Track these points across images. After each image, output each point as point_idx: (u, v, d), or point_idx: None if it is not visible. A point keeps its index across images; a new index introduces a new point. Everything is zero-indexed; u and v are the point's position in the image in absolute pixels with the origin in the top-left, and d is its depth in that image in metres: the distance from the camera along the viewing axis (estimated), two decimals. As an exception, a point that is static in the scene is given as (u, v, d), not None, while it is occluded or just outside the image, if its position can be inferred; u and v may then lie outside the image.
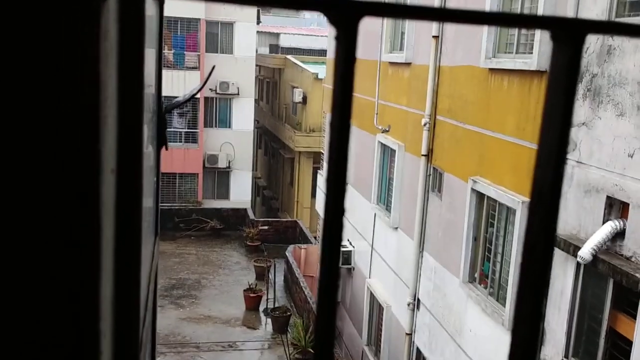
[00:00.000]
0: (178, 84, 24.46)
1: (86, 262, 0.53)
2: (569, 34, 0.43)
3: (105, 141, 0.54)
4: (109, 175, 0.59)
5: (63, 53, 0.48)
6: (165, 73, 26.29)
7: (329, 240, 0.43)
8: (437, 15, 0.43)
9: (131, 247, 0.75)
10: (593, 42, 6.53)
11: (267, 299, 17.44)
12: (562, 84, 0.43)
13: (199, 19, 25.20)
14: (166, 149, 1.79)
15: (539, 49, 7.35)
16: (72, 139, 0.50)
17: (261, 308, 17.70)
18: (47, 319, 0.53)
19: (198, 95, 25.04)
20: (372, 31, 13.38)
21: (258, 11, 27.17)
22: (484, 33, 8.66)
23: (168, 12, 24.15)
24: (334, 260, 0.43)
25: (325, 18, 0.39)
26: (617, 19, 6.31)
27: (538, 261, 0.46)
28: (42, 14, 0.46)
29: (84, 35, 0.48)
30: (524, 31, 8.10)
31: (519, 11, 8.15)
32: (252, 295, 17.62)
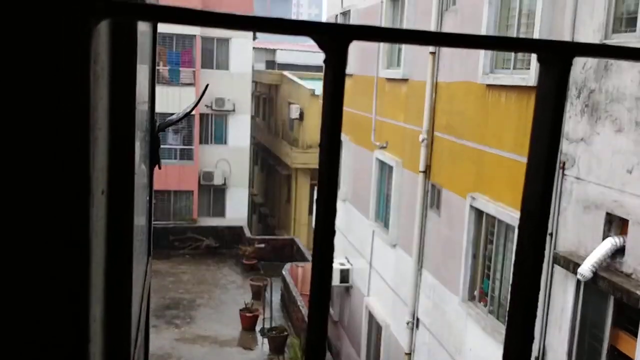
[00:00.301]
0: (173, 100, 24.47)
1: (75, 284, 0.53)
2: (556, 57, 0.44)
3: (96, 163, 0.53)
4: (99, 197, 0.58)
5: (53, 76, 0.48)
6: (160, 89, 26.35)
7: (320, 259, 0.44)
8: (425, 38, 0.43)
9: (123, 269, 0.74)
10: (590, 58, 6.51)
11: (263, 319, 17.27)
12: (550, 105, 0.44)
13: (195, 35, 25.29)
14: (159, 167, 1.73)
15: (537, 65, 7.34)
16: (61, 161, 0.50)
17: (257, 328, 17.53)
18: (34, 342, 0.53)
19: (193, 112, 25.05)
20: (369, 47, 13.42)
21: (254, 29, 27.30)
22: (481, 49, 8.66)
23: (163, 28, 24.27)
24: (325, 280, 0.44)
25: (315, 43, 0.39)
26: (614, 35, 6.31)
27: (528, 276, 0.47)
28: (34, 37, 0.47)
29: (75, 59, 0.48)
30: (520, 47, 8.10)
31: (515, 27, 8.16)
32: (248, 314, 17.45)
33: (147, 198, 1.68)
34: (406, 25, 11.41)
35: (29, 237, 0.50)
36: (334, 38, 0.36)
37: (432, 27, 10.22)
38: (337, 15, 15.88)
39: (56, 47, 0.46)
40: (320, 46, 0.36)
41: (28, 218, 0.50)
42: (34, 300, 0.52)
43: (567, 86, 0.44)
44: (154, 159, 1.71)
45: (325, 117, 0.38)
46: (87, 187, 0.51)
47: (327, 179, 0.38)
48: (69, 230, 0.51)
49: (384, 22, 12.52)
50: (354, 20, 14.58)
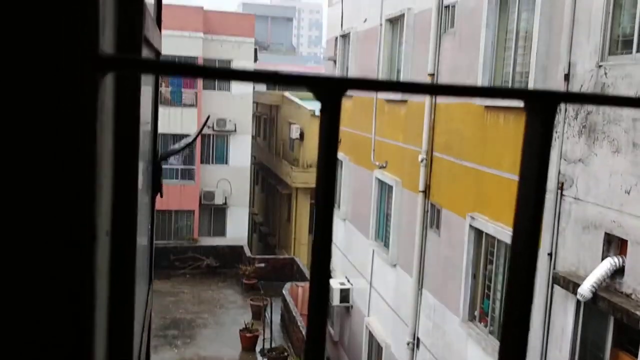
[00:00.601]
0: (175, 121, 24.60)
1: (79, 324, 0.54)
2: (541, 105, 0.46)
3: (100, 206, 0.55)
4: (103, 239, 0.59)
5: (60, 128, 0.49)
6: (162, 110, 26.47)
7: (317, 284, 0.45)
8: (418, 89, 0.46)
9: (125, 308, 0.75)
10: (587, 79, 6.60)
11: (263, 339, 17.17)
12: (536, 151, 0.46)
13: (197, 57, 25.50)
14: (161, 196, 1.77)
15: (534, 86, 7.43)
16: (67, 206, 0.51)
17: (258, 348, 17.41)
18: None
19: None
20: (368, 68, 13.55)
21: (255, 49, 27.54)
22: (479, 71, 8.76)
23: (166, 50, 24.44)
24: (323, 300, 0.45)
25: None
26: (610, 56, 6.39)
27: (521, 293, 0.48)
28: (41, 92, 0.48)
29: (82, 112, 0.49)
30: (518, 68, 8.20)
31: (513, 49, 8.25)
32: (248, 335, 17.35)
33: (149, 226, 1.70)
34: (405, 47, 11.54)
35: (35, 280, 0.51)
36: (329, 89, 0.40)
37: (430, 49, 10.34)
38: (337, 37, 16.04)
39: (63, 101, 0.49)
40: (316, 96, 0.40)
41: (34, 269, 0.51)
42: (40, 342, 0.52)
43: (552, 132, 0.47)
44: (155, 188, 1.75)
45: (320, 162, 0.41)
46: (92, 234, 0.53)
47: (322, 226, 0.41)
48: (73, 275, 0.52)
49: (383, 44, 12.66)
50: (353, 41, 14.73)
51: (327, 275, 0.45)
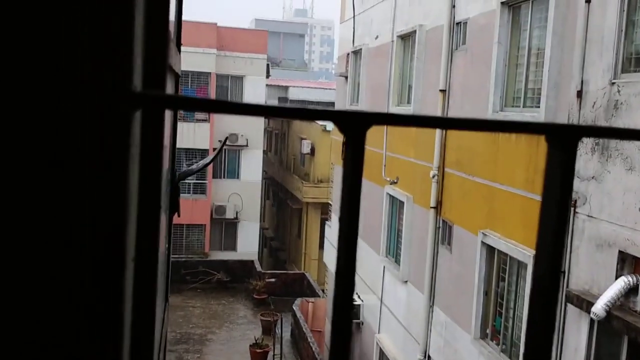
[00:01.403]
0: (188, 135, 24.76)
1: (108, 351, 0.55)
2: (562, 140, 0.46)
3: (129, 235, 0.56)
4: (130, 265, 0.61)
5: (94, 164, 0.51)
6: (175, 125, 26.27)
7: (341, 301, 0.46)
8: (437, 123, 0.48)
9: (146, 330, 0.76)
10: (600, 97, 6.58)
11: (273, 355, 17.09)
12: (557, 185, 0.46)
13: (210, 73, 25.72)
14: (178, 215, 1.79)
15: (546, 103, 7.42)
16: (99, 235, 0.52)
17: (267, 363, 17.33)
18: None
19: (208, 147, 25.28)
20: (379, 84, 13.59)
21: (268, 65, 27.73)
22: (491, 87, 8.76)
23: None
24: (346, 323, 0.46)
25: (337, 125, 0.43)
26: (623, 74, 6.38)
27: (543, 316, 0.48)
28: (79, 124, 0.50)
29: (116, 147, 0.51)
30: (530, 85, 8.19)
31: (525, 66, 8.25)
32: (258, 350, 17.28)
33: (167, 246, 1.71)
34: (416, 64, 11.57)
35: (66, 307, 0.52)
36: (354, 123, 0.41)
37: (442, 66, 10.36)
38: (348, 54, 16.13)
39: (97, 137, 0.50)
40: (341, 130, 0.41)
41: (67, 288, 0.52)
42: None
43: (574, 166, 0.47)
44: (173, 208, 1.76)
45: (344, 194, 0.42)
46: (123, 260, 0.54)
47: (345, 256, 0.42)
48: (103, 300, 0.54)
49: (394, 60, 12.71)
50: (364, 57, 14.80)
51: (349, 316, 0.46)
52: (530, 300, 0.50)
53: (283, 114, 0.40)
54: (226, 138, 4.03)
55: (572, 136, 0.47)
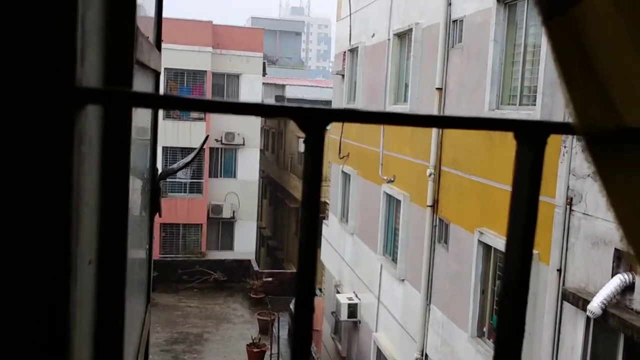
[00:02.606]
0: (184, 134, 24.72)
1: (56, 354, 0.53)
2: (531, 136, 0.46)
3: (80, 236, 0.54)
4: (85, 267, 0.58)
5: (34, 157, 0.49)
6: (171, 124, 26.44)
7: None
8: (402, 120, 0.46)
9: (114, 333, 0.73)
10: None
11: (270, 354, 17.09)
12: (527, 181, 0.46)
13: (206, 71, 25.68)
14: (160, 215, 1.77)
15: (542, 101, 7.41)
16: (41, 238, 0.50)
17: (265, 363, 17.32)
18: None
19: (204, 146, 25.23)
20: (376, 83, 13.58)
21: (264, 63, 27.70)
22: (487, 85, 8.75)
23: (175, 64, 24.69)
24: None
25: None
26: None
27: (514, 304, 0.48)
28: (16, 120, 0.48)
29: (56, 146, 0.49)
30: (526, 83, 8.18)
31: (521, 64, 8.25)
32: (255, 350, 17.28)
33: (147, 247, 1.69)
34: (413, 62, 11.56)
35: (11, 307, 0.50)
36: (313, 120, 0.40)
37: (438, 64, 10.35)
38: (345, 52, 16.11)
39: (38, 135, 0.48)
40: (301, 127, 0.40)
41: (9, 289, 0.50)
42: None
43: (542, 162, 0.47)
44: (154, 208, 1.74)
45: (304, 191, 0.40)
46: (67, 263, 0.52)
47: (306, 251, 0.41)
48: (48, 308, 0.52)
49: (391, 58, 12.69)
50: (361, 56, 14.78)
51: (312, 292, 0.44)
52: (501, 294, 0.50)
53: (238, 111, 0.38)
54: (206, 137, 4.02)
55: (541, 133, 0.46)
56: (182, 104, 0.36)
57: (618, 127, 0.44)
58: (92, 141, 0.60)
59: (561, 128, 0.48)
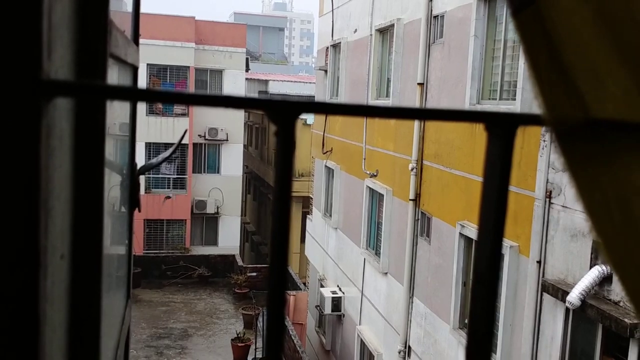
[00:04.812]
0: (167, 130, 24.58)
1: (25, 352, 0.53)
2: (501, 127, 0.47)
3: (50, 230, 0.54)
4: (57, 262, 0.59)
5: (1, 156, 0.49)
6: (154, 120, 26.21)
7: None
8: (372, 112, 0.46)
9: (89, 330, 0.74)
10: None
11: (255, 349, 17.11)
12: (497, 172, 0.47)
13: (189, 67, 25.53)
14: (139, 211, 1.78)
15: (522, 95, 7.49)
16: (7, 234, 0.50)
17: (250, 358, 17.34)
18: None
19: (187, 142, 25.14)
20: (359, 78, 13.61)
21: (247, 59, 27.59)
22: (468, 80, 8.82)
23: (157, 59, 24.52)
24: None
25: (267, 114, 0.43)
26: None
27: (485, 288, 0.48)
28: None
29: (22, 139, 0.49)
30: (506, 78, 8.27)
31: (501, 59, 8.33)
32: (240, 344, 17.28)
33: (127, 242, 1.69)
34: (394, 57, 11.61)
35: None
36: (283, 112, 0.41)
37: (420, 59, 10.41)
38: (328, 47, 16.12)
39: (3, 128, 0.48)
40: (271, 119, 0.42)
41: None
42: None
43: (512, 154, 0.48)
44: (133, 203, 1.75)
45: (276, 184, 0.42)
46: (36, 260, 0.51)
47: (278, 248, 0.42)
48: (17, 304, 0.51)
49: (373, 53, 12.73)
50: (344, 51, 14.80)
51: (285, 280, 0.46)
52: (472, 285, 0.51)
53: (209, 103, 0.40)
54: (185, 131, 4.00)
55: (511, 125, 0.47)
56: (153, 96, 0.38)
57: (585, 118, 0.45)
58: (63, 134, 0.60)
59: (530, 120, 0.49)
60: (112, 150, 1.05)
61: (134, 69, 1.62)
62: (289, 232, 0.45)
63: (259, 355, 16.90)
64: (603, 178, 0.46)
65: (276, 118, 0.42)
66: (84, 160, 0.70)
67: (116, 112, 1.16)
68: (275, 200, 0.43)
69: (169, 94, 0.40)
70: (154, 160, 2.69)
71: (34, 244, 0.51)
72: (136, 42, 1.66)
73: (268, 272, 0.45)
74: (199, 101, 0.40)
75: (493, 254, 0.49)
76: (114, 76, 1.04)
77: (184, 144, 25.13)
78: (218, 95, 0.41)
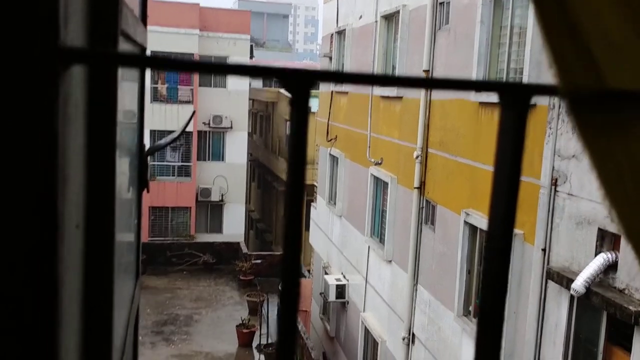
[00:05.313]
0: (171, 117, 24.58)
1: (43, 320, 0.53)
2: (515, 98, 0.46)
3: (68, 199, 0.54)
4: (72, 231, 0.59)
5: (18, 120, 0.49)
6: (159, 107, 26.22)
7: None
8: (385, 81, 0.47)
9: (103, 301, 0.75)
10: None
11: (260, 335, 17.21)
12: (510, 143, 0.46)
13: (193, 54, 25.46)
14: (147, 191, 1.78)
15: (528, 82, 7.44)
16: (26, 203, 0.51)
17: (254, 344, 17.45)
18: None
19: (191, 129, 25.13)
20: (364, 66, 13.55)
21: (251, 46, 27.51)
22: (474, 66, 8.78)
23: (162, 47, 24.43)
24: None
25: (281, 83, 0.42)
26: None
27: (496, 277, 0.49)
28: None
29: (41, 105, 0.49)
30: (512, 64, 8.22)
31: (507, 45, 8.27)
32: (245, 330, 17.39)
33: (136, 221, 1.70)
34: (400, 44, 11.55)
35: None
36: (298, 81, 0.41)
37: (425, 46, 10.35)
38: (332, 34, 16.04)
39: (22, 92, 0.49)
40: (286, 88, 0.41)
41: None
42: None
43: (526, 125, 0.47)
44: (142, 183, 1.75)
45: (290, 154, 0.42)
46: (54, 223, 0.52)
47: (290, 215, 0.42)
48: (35, 268, 0.52)
49: (378, 40, 12.66)
50: (348, 38, 14.73)
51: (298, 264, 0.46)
52: (485, 261, 0.50)
53: (223, 71, 0.40)
54: (193, 112, 4.02)
55: (525, 95, 0.46)
56: (166, 65, 0.38)
57: (600, 88, 0.44)
58: (77, 104, 0.61)
59: (545, 90, 0.49)
60: (120, 130, 1.05)
61: (142, 49, 1.61)
62: (303, 202, 0.44)
63: (264, 341, 16.99)
64: (616, 148, 0.46)
65: (291, 87, 0.42)
66: (97, 131, 0.70)
67: (124, 91, 1.16)
68: (290, 167, 0.43)
69: (179, 61, 0.39)
70: (162, 141, 2.70)
71: (53, 210, 0.52)
72: (144, 23, 1.65)
73: (282, 240, 0.45)
74: (215, 70, 0.39)
75: (506, 234, 0.49)
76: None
77: (189, 132, 25.13)
78: (230, 64, 0.40)
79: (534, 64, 7.40)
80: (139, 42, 1.34)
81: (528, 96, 0.47)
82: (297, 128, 0.42)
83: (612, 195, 0.47)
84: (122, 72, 0.98)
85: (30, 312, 0.53)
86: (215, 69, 0.39)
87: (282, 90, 30.40)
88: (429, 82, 0.49)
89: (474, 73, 8.76)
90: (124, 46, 0.99)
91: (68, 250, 0.57)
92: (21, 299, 0.52)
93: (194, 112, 3.81)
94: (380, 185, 12.76)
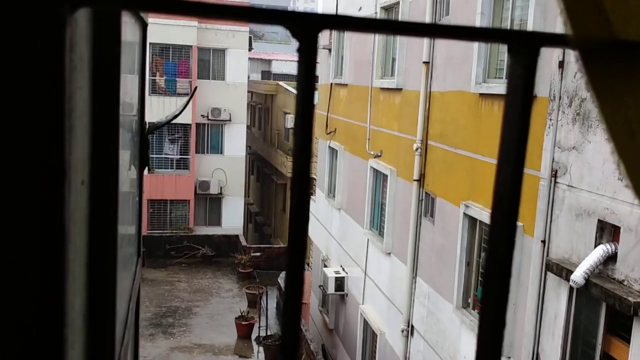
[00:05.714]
0: (170, 110, 24.48)
1: (51, 271, 0.53)
2: (524, 47, 0.45)
3: (74, 151, 0.54)
4: (78, 186, 0.58)
5: (24, 64, 0.48)
6: (157, 99, 26.16)
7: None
8: (393, 28, 0.45)
9: (106, 260, 0.74)
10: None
11: (259, 327, 17.24)
12: (520, 93, 0.45)
13: (191, 46, 25.37)
14: (149, 169, 1.77)
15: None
16: (33, 147, 0.50)
17: (253, 336, 17.49)
18: (8, 332, 0.52)
19: (190, 122, 25.08)
20: (363, 58, 13.52)
21: (250, 38, 27.41)
22: (474, 58, 8.75)
23: (160, 39, 24.37)
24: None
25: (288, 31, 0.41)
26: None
27: (500, 265, 0.48)
28: (5, 25, 0.47)
29: (47, 47, 0.48)
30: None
31: (509, 22, 8.24)
32: (244, 323, 17.42)
33: (137, 199, 1.69)
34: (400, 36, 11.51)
35: (2, 224, 0.50)
36: (306, 26, 0.40)
37: (425, 37, 10.31)
38: (332, 26, 15.98)
39: (28, 36, 0.48)
40: (293, 34, 0.40)
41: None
42: (7, 290, 0.51)
43: (535, 74, 0.46)
44: (143, 161, 1.74)
45: (298, 103, 0.40)
46: (62, 172, 0.51)
47: (300, 163, 0.41)
48: (43, 215, 0.51)
49: (379, 32, 12.62)
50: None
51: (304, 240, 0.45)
52: (488, 243, 0.50)
53: (226, 15, 0.39)
54: (195, 88, 3.99)
55: (534, 43, 0.46)
56: (170, 6, 0.37)
57: (610, 39, 0.44)
58: (82, 57, 0.60)
59: (554, 39, 0.48)
60: (121, 107, 1.04)
61: (144, 26, 1.60)
62: (311, 157, 0.42)
63: (263, 333, 17.03)
64: (626, 99, 0.45)
65: (298, 32, 0.40)
66: (101, 81, 0.69)
67: (126, 85, 1.15)
68: (297, 118, 0.41)
69: (191, 4, 0.38)
70: (162, 119, 2.69)
71: (60, 160, 0.51)
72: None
73: (291, 195, 0.44)
74: (218, 13, 0.38)
75: (514, 180, 0.48)
76: (126, 28, 1.02)
77: (187, 124, 25.08)
78: (238, 6, 0.39)
79: None
80: (142, 17, 1.32)
81: (537, 45, 0.46)
82: (305, 77, 0.41)
83: (621, 148, 0.47)
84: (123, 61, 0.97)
85: (39, 262, 0.52)
86: (218, 12, 0.38)
87: (281, 83, 30.25)
88: (435, 28, 0.48)
89: (474, 65, 8.75)
90: (126, 19, 0.98)
91: (75, 205, 0.57)
92: (29, 248, 0.51)
93: (195, 88, 3.79)
94: (379, 178, 12.76)
